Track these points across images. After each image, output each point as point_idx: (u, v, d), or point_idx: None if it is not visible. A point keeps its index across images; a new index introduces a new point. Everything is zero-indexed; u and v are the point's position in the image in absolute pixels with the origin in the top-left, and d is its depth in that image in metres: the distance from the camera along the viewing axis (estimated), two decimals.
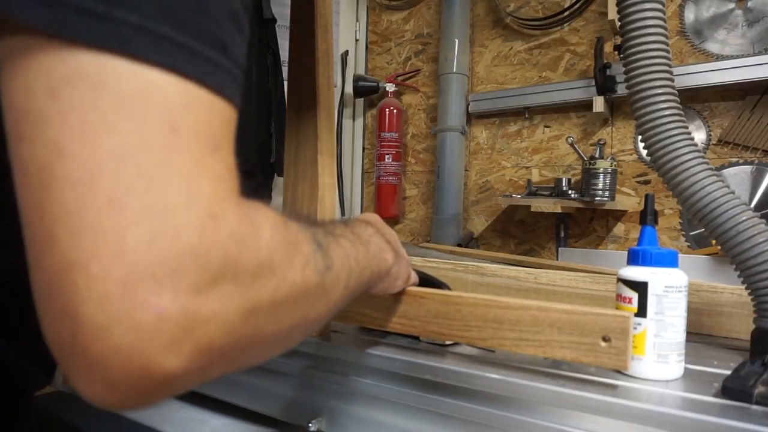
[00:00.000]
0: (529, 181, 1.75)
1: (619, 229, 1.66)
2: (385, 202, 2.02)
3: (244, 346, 0.27)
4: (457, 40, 1.85)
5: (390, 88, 2.04)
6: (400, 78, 2.08)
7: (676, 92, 0.65)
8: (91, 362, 0.23)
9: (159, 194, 0.23)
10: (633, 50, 0.65)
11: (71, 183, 0.22)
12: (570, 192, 1.59)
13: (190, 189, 0.24)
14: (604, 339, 0.48)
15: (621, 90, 1.53)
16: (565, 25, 1.75)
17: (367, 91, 2.09)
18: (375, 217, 0.56)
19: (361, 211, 2.22)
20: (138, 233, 0.22)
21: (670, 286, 0.54)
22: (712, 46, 1.51)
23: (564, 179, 1.62)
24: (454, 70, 1.85)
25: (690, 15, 1.54)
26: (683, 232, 1.55)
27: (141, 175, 0.22)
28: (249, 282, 0.26)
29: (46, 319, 0.23)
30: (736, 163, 1.48)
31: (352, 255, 0.41)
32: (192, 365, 0.24)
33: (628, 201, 1.61)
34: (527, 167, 1.82)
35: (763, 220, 0.59)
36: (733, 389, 0.48)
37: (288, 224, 0.32)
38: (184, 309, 0.23)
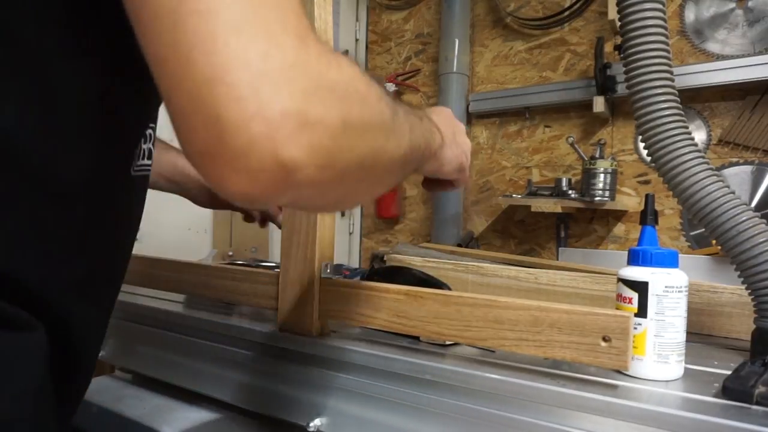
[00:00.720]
0: (529, 181, 1.75)
1: (620, 229, 1.65)
2: (385, 202, 2.02)
3: (343, 157, 0.33)
4: (457, 40, 1.85)
5: (390, 87, 2.04)
6: (400, 78, 2.08)
7: (676, 92, 0.65)
8: (235, 156, 0.29)
9: (264, 22, 0.29)
10: (633, 50, 0.65)
11: (200, 15, 0.28)
12: (570, 192, 1.59)
13: (284, 19, 0.30)
14: (605, 339, 0.48)
15: (621, 90, 1.53)
16: (566, 24, 1.75)
17: None
18: (442, 109, 0.63)
19: (362, 211, 2.22)
20: (256, 50, 0.28)
21: (671, 286, 0.54)
22: (712, 46, 1.51)
23: (564, 179, 1.62)
24: (454, 69, 1.85)
25: (690, 15, 1.54)
26: (683, 232, 1.55)
27: (250, 6, 0.29)
28: (342, 95, 0.33)
29: (192, 135, 0.30)
30: (737, 163, 1.48)
31: (411, 116, 0.46)
32: (309, 158, 0.30)
33: (629, 201, 1.61)
34: (527, 167, 1.82)
35: (764, 220, 0.59)
36: (734, 389, 0.47)
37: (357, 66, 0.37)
38: (298, 107, 0.29)
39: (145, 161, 0.51)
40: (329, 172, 0.32)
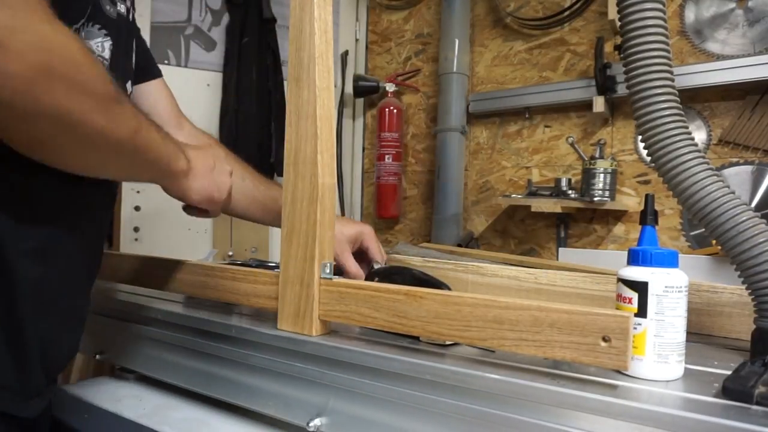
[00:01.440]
0: (529, 181, 1.75)
1: (619, 229, 1.65)
2: (385, 202, 2.02)
3: (37, 96, 0.44)
4: (457, 40, 1.85)
5: (390, 88, 2.04)
6: (400, 78, 2.08)
7: (676, 92, 0.65)
8: None
9: None
10: (633, 50, 0.65)
11: None
12: (570, 192, 1.59)
13: None
14: (604, 339, 0.48)
15: (621, 90, 1.53)
16: (565, 24, 1.75)
17: (367, 91, 2.09)
18: (209, 148, 0.78)
19: (362, 211, 2.22)
20: None
21: (670, 286, 0.54)
22: (712, 46, 1.51)
23: (564, 179, 1.62)
24: (454, 69, 1.85)
25: (690, 15, 1.54)
26: (683, 232, 1.54)
27: None
28: (53, 47, 0.45)
29: None
30: (737, 163, 1.48)
31: (148, 125, 0.60)
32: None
33: (629, 201, 1.61)
34: (527, 167, 1.82)
35: (764, 220, 0.59)
36: (734, 389, 0.47)
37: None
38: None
39: None
40: (21, 100, 0.43)
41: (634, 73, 0.65)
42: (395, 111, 2.00)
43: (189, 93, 1.84)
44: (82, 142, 0.51)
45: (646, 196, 0.62)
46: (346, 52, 2.14)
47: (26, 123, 0.46)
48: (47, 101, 0.44)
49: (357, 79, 2.08)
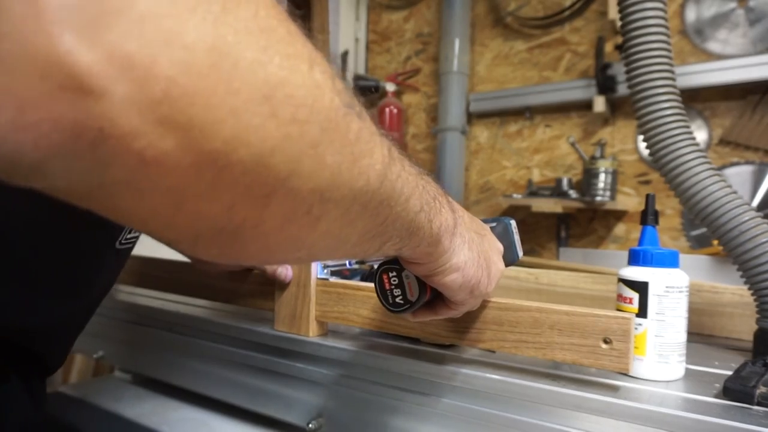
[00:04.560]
0: (529, 181, 1.74)
1: (620, 229, 1.65)
2: None
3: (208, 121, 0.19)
4: (457, 40, 1.85)
5: (390, 87, 2.04)
6: (400, 77, 2.08)
7: (677, 92, 0.64)
8: None
9: None
10: (634, 50, 0.65)
11: None
12: (571, 192, 1.59)
13: None
14: (605, 341, 0.48)
15: (622, 90, 1.53)
16: (566, 24, 1.75)
17: (367, 91, 2.09)
18: (485, 228, 0.47)
19: None
20: None
21: (671, 287, 0.54)
22: (713, 46, 1.51)
23: (565, 179, 1.62)
24: (455, 69, 1.85)
25: (691, 14, 1.54)
26: (684, 232, 1.54)
27: None
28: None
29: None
30: (738, 163, 1.47)
31: (401, 158, 0.31)
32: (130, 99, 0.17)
33: (629, 201, 1.61)
34: (528, 167, 1.82)
35: (766, 220, 0.59)
36: (734, 390, 0.47)
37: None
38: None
39: (133, 234, 0.51)
40: (186, 137, 0.18)
41: (636, 72, 0.65)
42: (395, 111, 2.00)
43: None
44: (316, 208, 0.24)
45: (647, 196, 0.62)
46: (346, 52, 2.14)
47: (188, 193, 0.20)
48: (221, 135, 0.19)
49: (357, 78, 2.08)
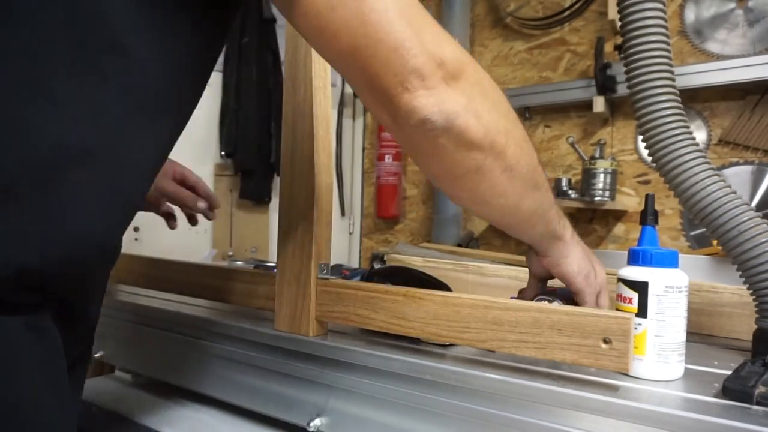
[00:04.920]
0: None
1: (620, 229, 1.65)
2: (385, 202, 2.02)
3: (491, 128, 0.47)
4: (457, 40, 1.85)
5: None
6: None
7: (677, 92, 0.65)
8: (428, 92, 0.43)
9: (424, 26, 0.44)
10: (634, 50, 0.65)
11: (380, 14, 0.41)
12: (570, 192, 1.59)
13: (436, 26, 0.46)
14: (605, 341, 0.48)
15: (621, 90, 1.53)
16: (566, 24, 1.75)
17: None
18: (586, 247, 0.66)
19: (362, 211, 2.21)
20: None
21: (671, 287, 0.54)
22: (712, 46, 1.51)
23: (564, 179, 1.62)
24: None
25: (690, 15, 1.54)
26: (684, 232, 1.54)
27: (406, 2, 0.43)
28: (490, 88, 0.48)
29: (390, 92, 0.43)
30: (737, 163, 1.47)
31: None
32: (465, 108, 0.45)
33: (629, 201, 1.61)
34: None
35: (765, 220, 0.59)
36: (734, 389, 0.47)
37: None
38: (463, 73, 0.45)
39: None
40: (475, 117, 0.44)
41: (635, 72, 0.65)
42: None
43: None
44: (510, 188, 0.51)
45: (647, 196, 0.62)
46: None
47: (465, 158, 0.47)
48: (497, 140, 0.47)
49: None
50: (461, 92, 0.43)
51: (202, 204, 0.94)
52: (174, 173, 0.93)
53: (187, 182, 0.94)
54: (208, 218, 0.97)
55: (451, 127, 0.43)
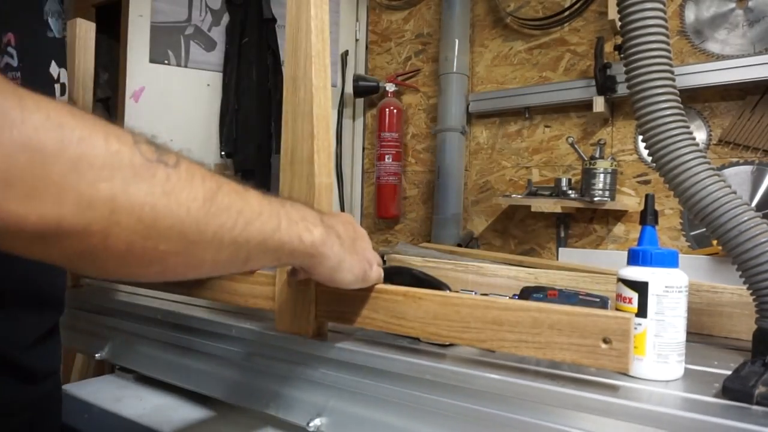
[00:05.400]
0: (529, 181, 1.74)
1: (620, 229, 1.65)
2: (385, 202, 2.02)
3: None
4: (457, 40, 1.85)
5: (390, 88, 2.04)
6: (400, 78, 2.08)
7: (677, 92, 0.65)
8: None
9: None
10: (634, 50, 0.65)
11: None
12: (570, 192, 1.59)
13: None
14: (605, 341, 0.48)
15: (621, 90, 1.53)
16: (565, 25, 1.75)
17: (367, 91, 2.09)
18: (341, 214, 0.56)
19: (362, 211, 2.22)
20: None
21: (671, 286, 0.54)
22: (712, 46, 1.51)
23: (564, 179, 1.62)
24: (454, 69, 1.85)
25: (690, 15, 1.54)
26: (683, 232, 1.54)
27: None
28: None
29: None
30: (737, 163, 1.47)
31: (234, 192, 0.39)
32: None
33: (629, 201, 1.61)
34: (527, 167, 1.82)
35: (765, 220, 0.59)
36: (734, 389, 0.47)
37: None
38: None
39: None
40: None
41: (635, 72, 0.65)
42: (395, 111, 1.99)
43: (189, 93, 1.84)
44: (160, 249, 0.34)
45: (646, 196, 0.62)
46: (346, 52, 2.14)
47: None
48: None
49: (357, 79, 2.07)
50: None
51: None
52: None
53: None
54: None
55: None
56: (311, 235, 0.46)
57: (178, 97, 1.82)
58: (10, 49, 0.53)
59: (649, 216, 0.60)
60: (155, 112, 1.78)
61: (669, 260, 0.55)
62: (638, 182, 1.62)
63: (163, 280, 0.37)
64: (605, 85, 1.55)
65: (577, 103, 1.68)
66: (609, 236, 1.66)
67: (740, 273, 0.61)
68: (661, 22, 0.64)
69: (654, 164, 0.66)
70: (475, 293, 0.88)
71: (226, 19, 1.86)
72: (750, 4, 1.45)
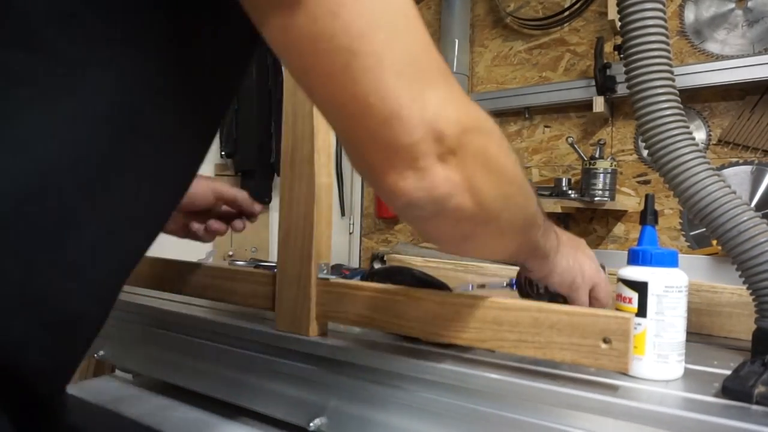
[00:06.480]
0: (529, 181, 1.75)
1: (619, 229, 1.65)
2: None
3: (487, 187, 0.39)
4: (457, 40, 1.85)
5: None
6: None
7: (676, 92, 0.65)
8: (409, 165, 0.35)
9: (422, 71, 0.36)
10: (634, 50, 0.65)
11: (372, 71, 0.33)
12: (570, 192, 1.59)
13: (437, 66, 0.37)
14: (605, 341, 0.48)
15: (621, 90, 1.53)
16: (565, 25, 1.75)
17: None
18: (581, 242, 0.64)
19: (362, 211, 2.21)
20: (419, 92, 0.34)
21: (670, 286, 0.54)
22: (712, 46, 1.51)
23: (564, 179, 1.62)
24: (454, 69, 1.85)
25: (690, 15, 1.54)
26: (683, 232, 1.54)
27: (409, 55, 0.35)
28: (487, 131, 0.39)
29: (372, 156, 0.36)
30: (736, 163, 1.48)
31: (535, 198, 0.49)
32: (462, 175, 0.37)
33: (628, 201, 1.61)
34: (527, 167, 1.82)
35: (765, 220, 0.59)
36: (733, 389, 0.47)
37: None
38: (455, 133, 0.35)
39: None
40: (471, 195, 0.37)
41: (635, 73, 0.65)
42: None
43: None
44: (506, 229, 0.45)
45: (646, 196, 0.62)
46: None
47: (465, 220, 0.39)
48: (491, 195, 0.39)
49: None
50: (459, 169, 0.36)
51: (240, 224, 0.84)
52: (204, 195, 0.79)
53: (224, 199, 0.82)
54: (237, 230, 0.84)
55: (441, 210, 0.37)
56: (549, 249, 0.55)
57: None
58: None
59: (648, 216, 0.60)
60: None
61: (669, 260, 0.55)
62: (638, 182, 1.63)
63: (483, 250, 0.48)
64: (605, 85, 1.55)
65: (577, 103, 1.68)
66: (609, 236, 1.67)
67: (740, 273, 0.61)
68: (661, 22, 0.64)
69: (654, 164, 0.66)
70: (471, 287, 0.89)
71: None
72: (749, 4, 1.46)
